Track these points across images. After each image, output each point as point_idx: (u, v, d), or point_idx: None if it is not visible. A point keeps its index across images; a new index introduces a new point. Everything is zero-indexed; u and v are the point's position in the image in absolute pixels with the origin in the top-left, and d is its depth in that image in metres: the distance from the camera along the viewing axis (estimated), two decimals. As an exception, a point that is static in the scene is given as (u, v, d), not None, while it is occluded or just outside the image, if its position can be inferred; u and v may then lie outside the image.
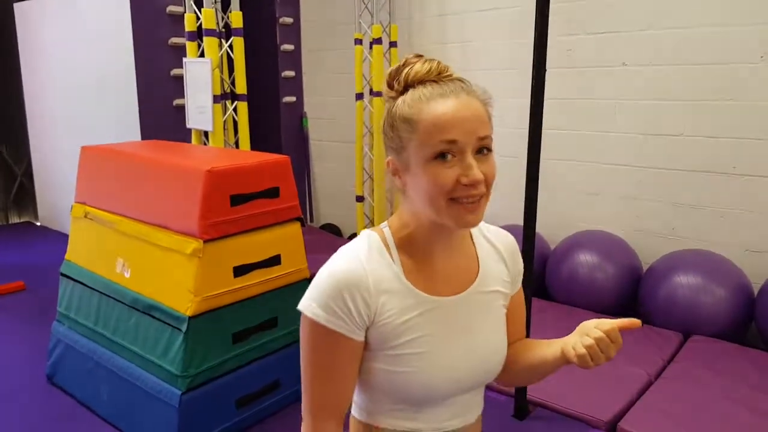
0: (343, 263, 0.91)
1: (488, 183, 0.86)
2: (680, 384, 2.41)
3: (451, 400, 0.97)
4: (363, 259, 0.91)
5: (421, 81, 0.89)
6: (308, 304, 0.90)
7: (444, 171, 0.84)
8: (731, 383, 2.40)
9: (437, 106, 0.85)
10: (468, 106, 0.85)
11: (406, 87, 0.90)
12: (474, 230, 1.02)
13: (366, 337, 0.92)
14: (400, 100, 0.89)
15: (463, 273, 0.98)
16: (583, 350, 0.88)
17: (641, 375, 2.48)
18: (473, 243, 1.02)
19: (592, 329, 0.89)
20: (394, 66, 0.92)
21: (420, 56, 0.91)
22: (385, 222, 0.98)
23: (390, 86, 0.92)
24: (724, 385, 2.39)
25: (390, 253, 0.93)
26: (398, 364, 0.91)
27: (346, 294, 0.88)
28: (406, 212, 0.95)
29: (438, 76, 0.89)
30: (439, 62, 0.90)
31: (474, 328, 0.97)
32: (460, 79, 0.90)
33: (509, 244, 1.07)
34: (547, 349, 0.99)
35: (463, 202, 0.85)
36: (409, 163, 0.88)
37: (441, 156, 0.84)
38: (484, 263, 1.01)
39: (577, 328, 0.93)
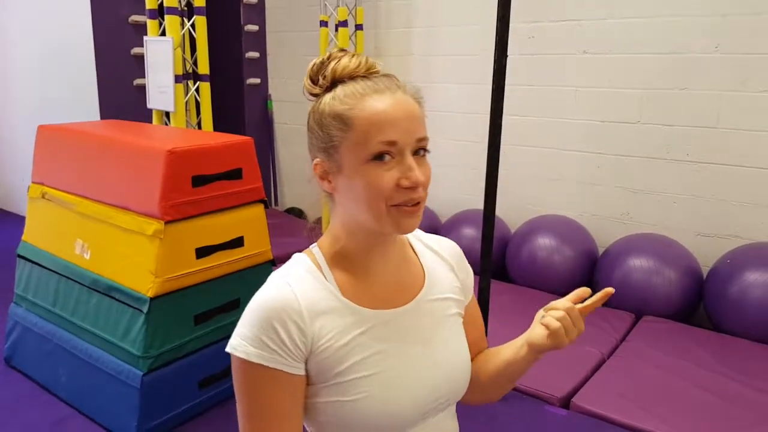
0: (269, 291, 0.83)
1: (425, 186, 0.81)
2: (632, 362, 2.51)
3: (420, 427, 0.87)
4: (292, 283, 0.83)
5: (351, 76, 0.83)
6: (237, 343, 0.80)
7: (382, 173, 0.78)
8: (680, 361, 2.52)
9: (373, 102, 0.79)
10: (405, 105, 0.81)
11: (334, 82, 0.83)
12: (411, 238, 0.97)
13: (306, 370, 0.82)
14: (327, 96, 0.83)
15: (409, 283, 0.91)
16: (557, 324, 0.85)
17: (595, 354, 2.57)
18: (414, 251, 0.96)
19: (553, 307, 0.87)
20: (317, 59, 0.86)
21: (344, 50, 0.85)
22: (316, 243, 0.91)
23: (313, 81, 0.85)
24: (673, 363, 2.50)
25: (322, 273, 0.86)
26: (347, 392, 0.81)
27: (276, 323, 0.79)
28: (336, 223, 0.88)
29: (367, 72, 0.84)
30: (367, 57, 0.84)
31: (429, 339, 0.89)
32: (388, 76, 0.85)
33: (454, 251, 1.01)
34: (510, 349, 0.94)
35: (402, 206, 0.80)
36: (341, 165, 0.81)
37: (379, 157, 0.78)
38: (430, 271, 0.94)
39: (535, 317, 0.91)
